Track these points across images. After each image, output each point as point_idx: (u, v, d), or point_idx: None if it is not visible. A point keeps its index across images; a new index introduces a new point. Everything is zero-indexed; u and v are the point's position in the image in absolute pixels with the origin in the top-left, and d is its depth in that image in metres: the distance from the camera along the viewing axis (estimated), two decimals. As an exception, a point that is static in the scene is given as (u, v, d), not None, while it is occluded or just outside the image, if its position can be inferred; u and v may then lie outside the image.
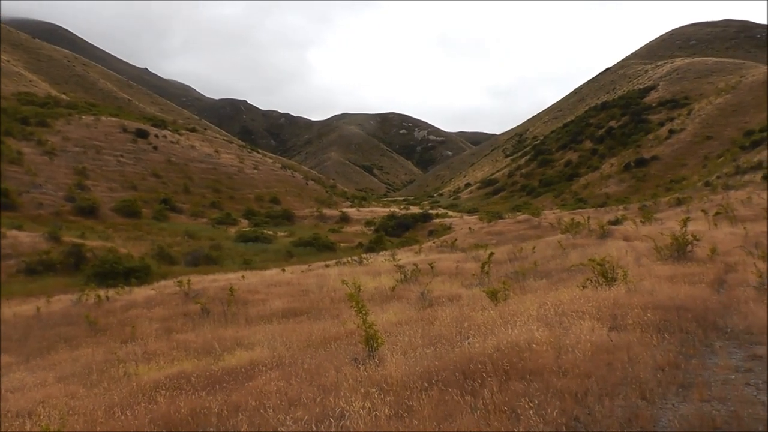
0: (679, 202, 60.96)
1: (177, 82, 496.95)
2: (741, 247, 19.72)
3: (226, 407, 7.86)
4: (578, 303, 11.36)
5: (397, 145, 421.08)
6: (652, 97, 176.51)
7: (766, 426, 5.76)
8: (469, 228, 66.28)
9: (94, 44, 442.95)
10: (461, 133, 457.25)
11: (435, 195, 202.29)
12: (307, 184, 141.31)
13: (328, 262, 42.11)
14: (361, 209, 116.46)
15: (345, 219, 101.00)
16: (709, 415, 6.09)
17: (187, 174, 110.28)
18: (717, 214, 33.68)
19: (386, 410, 6.64)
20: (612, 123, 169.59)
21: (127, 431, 7.61)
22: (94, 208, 71.54)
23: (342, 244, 67.23)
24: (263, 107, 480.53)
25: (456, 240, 51.48)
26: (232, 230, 75.36)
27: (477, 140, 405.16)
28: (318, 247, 62.10)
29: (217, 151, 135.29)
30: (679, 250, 18.42)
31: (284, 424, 6.76)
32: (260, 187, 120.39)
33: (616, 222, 42.36)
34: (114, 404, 8.82)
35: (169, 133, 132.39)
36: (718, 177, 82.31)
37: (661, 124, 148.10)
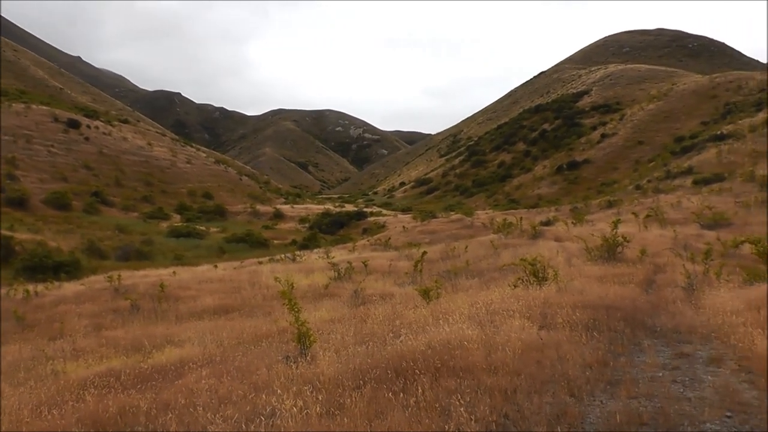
0: (610, 205, 62.18)
1: (110, 72, 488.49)
2: (670, 248, 20.23)
3: (155, 405, 7.73)
4: (509, 302, 11.51)
5: (333, 143, 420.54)
6: (586, 102, 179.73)
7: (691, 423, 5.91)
8: (403, 227, 66.56)
9: (25, 29, 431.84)
10: (397, 132, 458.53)
11: (370, 193, 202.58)
12: (240, 179, 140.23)
13: (260, 259, 41.85)
14: (295, 206, 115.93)
15: (279, 216, 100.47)
16: (636, 411, 6.23)
17: (118, 166, 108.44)
18: (647, 216, 34.46)
19: (318, 408, 6.61)
20: (545, 126, 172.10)
21: (54, 431, 7.44)
22: (24, 199, 69.91)
23: (275, 241, 66.86)
24: (198, 101, 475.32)
25: (389, 238, 51.67)
26: (164, 225, 74.34)
27: (412, 140, 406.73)
28: (251, 244, 61.66)
29: (149, 144, 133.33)
30: (610, 251, 18.81)
31: (214, 422, 6.69)
32: (193, 181, 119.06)
33: (548, 223, 43.00)
34: (41, 403, 8.61)
35: (102, 124, 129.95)
36: (648, 181, 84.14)
37: (594, 129, 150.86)
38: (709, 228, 31.98)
